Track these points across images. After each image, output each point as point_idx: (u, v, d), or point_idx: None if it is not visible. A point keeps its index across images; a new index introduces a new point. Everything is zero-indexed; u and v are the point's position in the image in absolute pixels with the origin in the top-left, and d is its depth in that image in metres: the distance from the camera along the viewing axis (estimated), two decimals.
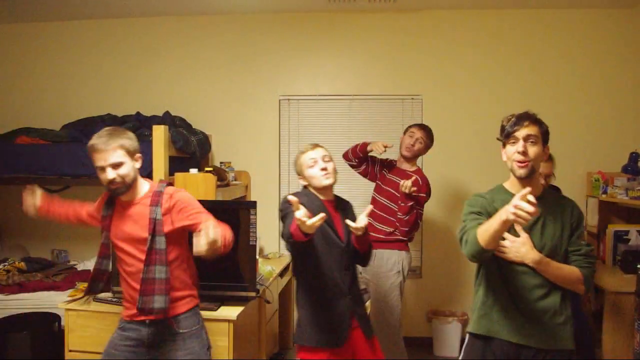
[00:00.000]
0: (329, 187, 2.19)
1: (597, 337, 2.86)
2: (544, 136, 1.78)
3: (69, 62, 4.11)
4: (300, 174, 2.24)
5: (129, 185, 1.95)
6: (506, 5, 3.77)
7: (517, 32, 3.82)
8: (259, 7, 3.83)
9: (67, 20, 4.07)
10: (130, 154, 1.96)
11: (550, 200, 1.83)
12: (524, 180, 1.77)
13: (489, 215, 1.77)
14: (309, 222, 1.77)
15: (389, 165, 3.16)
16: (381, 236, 2.99)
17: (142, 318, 1.98)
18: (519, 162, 1.74)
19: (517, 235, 1.76)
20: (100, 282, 2.15)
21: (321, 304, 2.14)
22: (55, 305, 3.05)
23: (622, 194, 3.22)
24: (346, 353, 2.13)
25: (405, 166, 3.10)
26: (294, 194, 2.06)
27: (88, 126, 3.54)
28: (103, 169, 1.90)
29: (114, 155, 1.90)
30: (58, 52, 4.12)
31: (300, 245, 2.02)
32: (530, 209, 1.44)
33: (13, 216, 4.12)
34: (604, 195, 3.39)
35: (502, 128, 1.82)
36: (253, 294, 2.57)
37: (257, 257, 2.79)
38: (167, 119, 3.59)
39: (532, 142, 1.74)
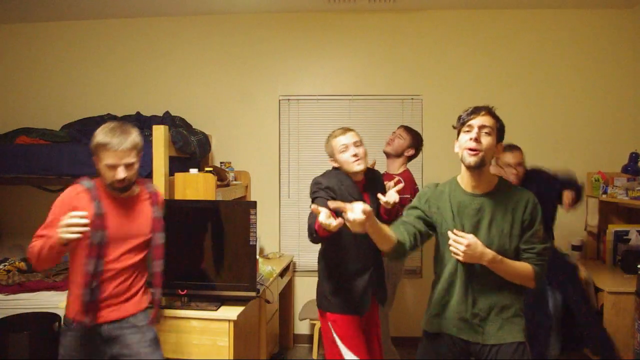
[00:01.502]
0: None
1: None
2: (499, 131, 1.78)
3: (69, 62, 4.11)
4: (331, 156, 2.34)
5: (132, 184, 1.98)
6: (506, 5, 3.77)
7: (517, 32, 3.82)
8: (259, 7, 3.83)
9: (67, 20, 4.07)
10: (140, 153, 1.97)
11: (503, 195, 1.78)
12: (473, 171, 1.75)
13: (428, 210, 1.85)
14: (333, 224, 1.75)
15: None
16: None
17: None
18: (470, 149, 1.72)
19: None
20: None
21: (346, 277, 2.30)
22: (55, 305, 3.06)
23: (622, 194, 3.23)
24: (366, 319, 2.36)
25: (392, 169, 3.11)
26: (325, 175, 2.33)
27: (88, 126, 3.53)
28: (114, 167, 1.87)
29: (129, 156, 1.89)
30: (58, 52, 4.12)
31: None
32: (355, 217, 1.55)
33: (13, 216, 4.12)
34: (604, 196, 3.40)
35: (459, 118, 1.83)
36: (253, 294, 2.57)
37: (257, 257, 2.79)
38: (167, 119, 3.58)
39: (486, 132, 1.74)
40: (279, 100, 3.99)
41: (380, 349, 2.46)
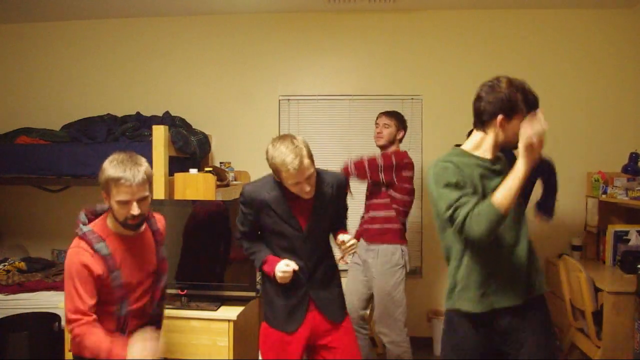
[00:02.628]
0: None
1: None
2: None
3: (69, 62, 4.11)
4: (273, 171, 2.02)
5: (144, 219, 1.84)
6: (506, 5, 3.77)
7: (517, 32, 3.82)
8: (259, 7, 3.83)
9: (67, 20, 4.07)
10: (151, 184, 1.82)
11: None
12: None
13: (464, 183, 1.70)
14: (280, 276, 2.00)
15: None
16: (388, 226, 2.98)
17: None
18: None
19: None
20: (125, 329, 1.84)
21: (277, 292, 2.12)
22: (55, 305, 3.06)
23: (622, 194, 3.22)
24: (301, 336, 2.11)
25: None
26: (258, 180, 2.16)
27: (88, 126, 3.54)
28: (128, 203, 1.71)
29: (143, 190, 1.74)
30: (58, 52, 4.12)
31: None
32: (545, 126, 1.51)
33: (13, 216, 4.12)
34: (604, 196, 3.39)
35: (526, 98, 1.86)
36: (253, 294, 2.58)
37: None
38: (167, 119, 3.58)
39: None
40: (279, 100, 3.98)
41: None
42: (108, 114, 3.81)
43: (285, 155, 1.92)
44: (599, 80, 3.76)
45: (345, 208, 2.32)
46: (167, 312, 2.50)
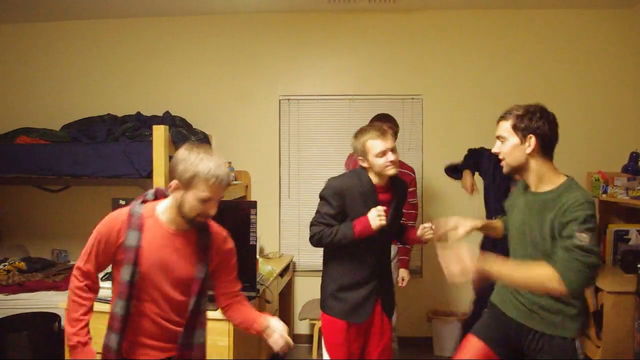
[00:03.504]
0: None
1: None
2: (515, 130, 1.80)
3: (69, 62, 4.11)
4: (361, 156, 2.20)
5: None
6: (506, 5, 3.77)
7: (517, 32, 3.82)
8: (259, 7, 3.83)
9: (67, 20, 4.07)
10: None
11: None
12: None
13: None
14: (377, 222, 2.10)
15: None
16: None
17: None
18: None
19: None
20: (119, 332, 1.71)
21: (349, 283, 2.24)
22: (55, 305, 3.06)
23: (622, 193, 3.22)
24: (364, 327, 2.27)
25: None
26: (343, 175, 2.32)
27: (88, 126, 3.54)
28: (209, 200, 1.62)
29: (223, 190, 1.67)
30: (58, 52, 4.12)
31: None
32: None
33: (13, 216, 4.12)
34: (604, 195, 3.39)
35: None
36: (253, 293, 2.57)
37: (257, 256, 2.80)
38: (167, 119, 3.58)
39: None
40: (279, 100, 3.99)
41: None
42: (108, 114, 3.80)
43: (371, 128, 2.24)
44: (599, 80, 3.76)
45: (402, 213, 2.47)
46: None
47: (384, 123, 3.02)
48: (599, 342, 2.85)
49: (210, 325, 2.47)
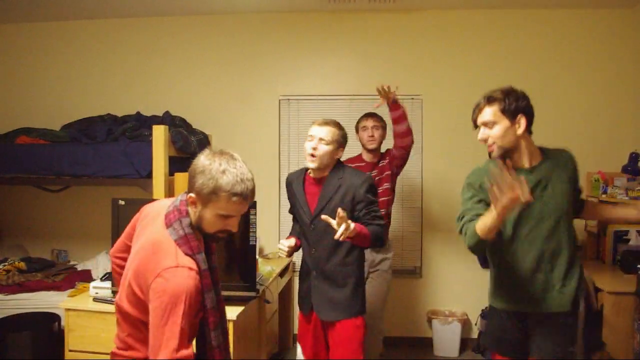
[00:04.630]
0: (315, 169, 2.28)
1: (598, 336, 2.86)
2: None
3: (69, 62, 4.11)
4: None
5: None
6: (506, 5, 3.77)
7: (517, 32, 3.82)
8: (259, 7, 3.83)
9: (67, 20, 4.07)
10: None
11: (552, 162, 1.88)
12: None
13: (483, 191, 1.84)
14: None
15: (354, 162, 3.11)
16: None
17: None
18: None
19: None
20: None
21: (301, 272, 2.45)
22: (55, 305, 3.06)
23: (622, 194, 3.22)
24: (313, 319, 2.34)
25: (373, 157, 3.11)
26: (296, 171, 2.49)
27: (88, 126, 3.54)
28: (230, 218, 1.46)
29: (248, 205, 1.50)
30: (58, 52, 4.12)
31: None
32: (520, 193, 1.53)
33: (13, 216, 4.12)
34: (604, 195, 3.39)
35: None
36: (253, 293, 2.57)
37: (257, 257, 2.80)
38: (167, 119, 3.58)
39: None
40: (279, 100, 3.99)
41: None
42: (108, 114, 3.81)
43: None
44: (598, 80, 3.76)
45: (368, 210, 2.22)
46: None
47: (369, 119, 3.10)
48: (599, 342, 2.85)
49: None
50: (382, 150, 3.16)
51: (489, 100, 1.83)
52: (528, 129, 1.84)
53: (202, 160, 1.44)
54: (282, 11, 3.91)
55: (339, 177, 2.27)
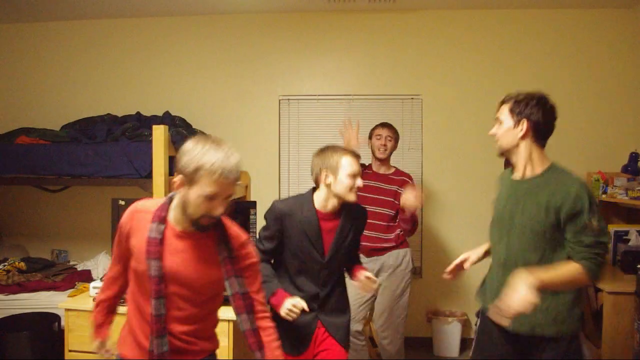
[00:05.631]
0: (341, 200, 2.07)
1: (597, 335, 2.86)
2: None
3: (69, 62, 4.11)
4: (326, 170, 2.03)
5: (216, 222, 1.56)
6: (506, 5, 3.77)
7: (516, 32, 3.82)
8: (259, 7, 3.83)
9: (67, 20, 4.07)
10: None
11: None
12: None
13: None
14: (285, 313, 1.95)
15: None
16: (392, 244, 3.03)
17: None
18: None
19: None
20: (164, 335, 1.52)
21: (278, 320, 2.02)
22: (55, 305, 3.06)
23: (622, 194, 3.22)
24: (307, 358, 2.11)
25: (383, 170, 3.11)
26: (291, 198, 2.17)
27: (88, 126, 3.54)
28: (214, 199, 1.44)
29: (234, 186, 1.48)
30: (58, 52, 4.12)
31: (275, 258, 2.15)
32: None
33: (13, 216, 4.12)
34: (604, 196, 3.39)
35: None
36: None
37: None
38: (167, 119, 3.58)
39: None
40: (279, 100, 3.98)
41: None
42: (108, 114, 3.81)
43: (345, 149, 2.06)
44: (598, 80, 3.76)
45: (359, 242, 2.27)
46: None
47: (384, 128, 3.09)
48: (599, 342, 2.85)
49: None
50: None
51: (505, 98, 1.87)
52: (534, 137, 1.80)
53: (189, 142, 1.47)
54: (282, 11, 3.91)
55: (354, 210, 2.16)
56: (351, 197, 2.04)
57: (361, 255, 2.98)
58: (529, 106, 1.80)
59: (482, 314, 2.00)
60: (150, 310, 1.50)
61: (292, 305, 1.95)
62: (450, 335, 3.66)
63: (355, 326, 3.00)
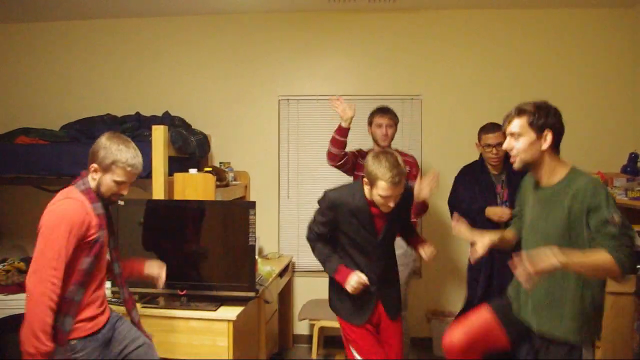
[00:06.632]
0: None
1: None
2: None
3: (69, 62, 4.11)
4: (369, 180, 2.17)
5: None
6: (506, 5, 3.77)
7: (516, 32, 3.82)
8: (259, 7, 3.83)
9: (67, 20, 4.07)
10: None
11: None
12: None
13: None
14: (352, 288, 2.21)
15: (364, 156, 3.13)
16: None
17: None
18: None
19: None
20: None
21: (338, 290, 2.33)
22: None
23: (621, 194, 3.22)
24: (370, 329, 2.34)
25: None
26: (342, 187, 2.35)
27: (88, 126, 3.54)
28: (124, 185, 1.95)
29: (136, 177, 1.98)
30: (58, 52, 4.12)
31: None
32: None
33: (13, 216, 4.12)
34: None
35: None
36: (252, 294, 2.57)
37: (257, 257, 2.80)
38: (166, 119, 3.58)
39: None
40: (279, 100, 3.98)
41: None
42: (108, 114, 3.81)
43: (389, 169, 2.08)
44: (598, 79, 3.76)
45: (410, 216, 2.54)
46: (167, 312, 2.50)
47: (384, 116, 3.11)
48: (599, 342, 2.85)
49: (209, 325, 2.48)
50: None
51: (519, 111, 1.83)
52: (556, 146, 1.83)
53: (104, 140, 1.92)
54: (282, 11, 3.91)
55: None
56: (383, 209, 2.20)
57: None
58: (549, 116, 1.82)
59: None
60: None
61: (357, 282, 2.19)
62: None
63: None
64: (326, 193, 2.31)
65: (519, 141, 1.80)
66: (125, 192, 1.98)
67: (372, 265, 2.30)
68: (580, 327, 1.75)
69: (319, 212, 2.32)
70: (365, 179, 2.20)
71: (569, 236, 1.73)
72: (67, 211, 1.79)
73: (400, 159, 2.15)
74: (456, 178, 3.20)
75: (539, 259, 1.56)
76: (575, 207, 1.71)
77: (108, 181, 1.92)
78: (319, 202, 2.33)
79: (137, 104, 3.90)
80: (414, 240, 2.51)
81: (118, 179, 1.91)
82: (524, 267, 1.56)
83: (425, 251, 2.36)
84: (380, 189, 2.11)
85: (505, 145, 1.87)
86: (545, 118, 1.80)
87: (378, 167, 2.11)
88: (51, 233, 1.75)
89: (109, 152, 1.90)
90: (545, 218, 1.80)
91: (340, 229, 2.29)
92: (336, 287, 2.34)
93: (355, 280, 2.19)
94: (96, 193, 1.93)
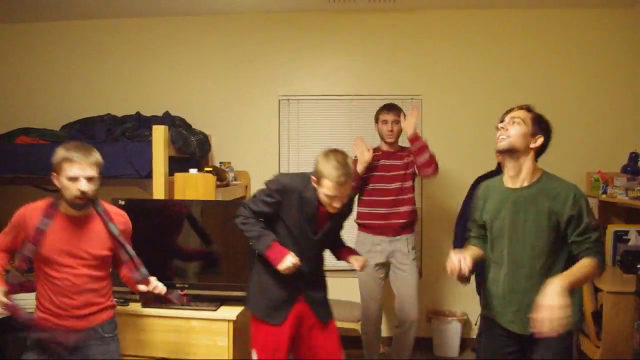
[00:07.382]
0: None
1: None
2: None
3: (69, 62, 4.11)
4: (316, 178, 2.10)
5: (90, 202, 2.02)
6: (506, 5, 3.77)
7: (516, 32, 3.82)
8: (259, 7, 3.83)
9: (67, 20, 4.07)
10: (100, 172, 2.03)
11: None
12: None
13: (486, 212, 1.98)
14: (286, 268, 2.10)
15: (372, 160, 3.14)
16: (409, 219, 3.13)
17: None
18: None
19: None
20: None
21: (272, 284, 2.22)
22: None
23: (622, 194, 3.22)
24: (287, 330, 2.21)
25: (393, 149, 3.18)
26: (295, 175, 2.27)
27: (88, 126, 3.54)
28: (77, 179, 1.93)
29: (92, 169, 1.96)
30: (58, 52, 4.12)
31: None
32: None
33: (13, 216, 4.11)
34: (603, 196, 3.39)
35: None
36: None
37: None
38: (166, 119, 3.58)
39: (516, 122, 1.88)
40: (279, 100, 3.98)
41: None
42: (108, 114, 3.80)
43: (336, 169, 2.02)
44: (598, 80, 3.76)
45: (342, 226, 2.43)
46: (167, 312, 2.50)
47: (389, 113, 3.15)
48: (599, 342, 2.85)
49: (209, 325, 2.48)
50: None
51: (528, 108, 1.91)
52: (538, 155, 1.90)
53: (58, 149, 2.01)
54: (282, 11, 3.91)
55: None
56: (328, 209, 2.14)
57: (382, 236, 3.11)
58: (547, 127, 1.90)
59: (484, 318, 2.05)
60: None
61: (292, 262, 2.10)
62: (450, 335, 3.66)
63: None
64: (279, 176, 2.28)
65: (516, 127, 1.86)
66: (83, 188, 1.92)
67: (303, 262, 2.16)
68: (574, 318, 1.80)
69: (265, 192, 2.19)
70: (313, 177, 2.12)
71: (547, 238, 1.82)
72: (24, 208, 2.06)
73: (350, 160, 2.09)
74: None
75: (556, 316, 1.58)
76: (555, 212, 1.79)
77: (64, 180, 1.94)
78: (268, 183, 2.20)
79: (137, 103, 3.90)
80: (344, 250, 2.41)
81: (70, 174, 1.93)
82: (547, 327, 1.59)
83: (357, 261, 2.29)
84: (325, 188, 2.05)
85: (501, 125, 1.90)
86: (545, 126, 1.89)
87: (325, 166, 2.04)
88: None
89: (56, 155, 1.99)
90: (524, 219, 1.84)
91: (281, 216, 2.18)
92: (259, 284, 2.23)
93: (290, 260, 2.09)
94: (64, 205, 1.99)
